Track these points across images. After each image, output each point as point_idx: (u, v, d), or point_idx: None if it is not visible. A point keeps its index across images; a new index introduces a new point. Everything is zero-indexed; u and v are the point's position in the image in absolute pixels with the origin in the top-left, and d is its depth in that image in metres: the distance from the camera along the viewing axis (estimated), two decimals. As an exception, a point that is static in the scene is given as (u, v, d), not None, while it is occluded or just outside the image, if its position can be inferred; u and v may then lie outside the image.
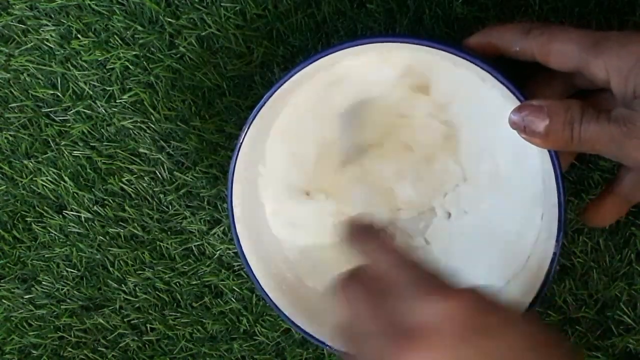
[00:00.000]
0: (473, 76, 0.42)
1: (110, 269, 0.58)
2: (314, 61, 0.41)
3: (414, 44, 0.40)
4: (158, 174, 0.55)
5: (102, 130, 0.55)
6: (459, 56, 0.40)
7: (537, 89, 0.42)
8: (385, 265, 0.36)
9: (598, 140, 0.36)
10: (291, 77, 0.42)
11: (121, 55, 0.53)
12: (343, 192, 0.51)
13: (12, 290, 0.60)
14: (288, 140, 0.49)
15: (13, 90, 0.55)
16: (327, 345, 0.47)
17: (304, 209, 0.51)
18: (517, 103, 0.39)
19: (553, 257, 0.42)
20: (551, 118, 0.37)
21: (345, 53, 0.41)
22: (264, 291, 0.47)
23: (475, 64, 0.39)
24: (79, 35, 0.53)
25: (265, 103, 0.42)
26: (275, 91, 0.42)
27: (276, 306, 0.47)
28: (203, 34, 0.52)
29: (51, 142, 0.56)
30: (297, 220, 0.51)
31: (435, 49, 0.40)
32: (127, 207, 0.56)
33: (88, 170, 0.56)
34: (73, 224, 0.57)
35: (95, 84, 0.54)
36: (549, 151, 0.40)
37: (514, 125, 0.39)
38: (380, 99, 0.48)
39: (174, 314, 0.58)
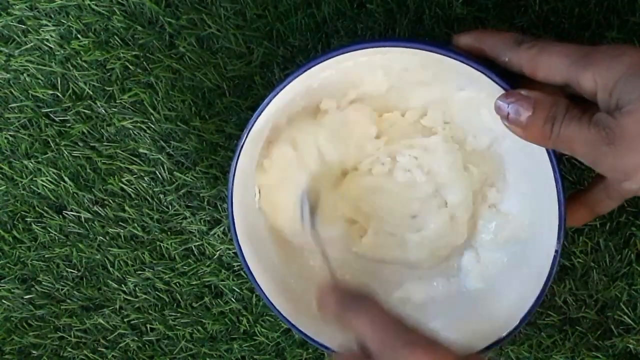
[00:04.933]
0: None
1: (110, 269, 0.58)
2: (318, 63, 0.41)
3: (408, 47, 0.40)
4: (158, 174, 0.55)
5: (102, 130, 0.55)
6: (453, 57, 0.40)
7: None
8: (370, 336, 0.36)
9: (575, 141, 0.36)
10: (294, 78, 0.42)
11: (121, 55, 0.53)
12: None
13: (12, 290, 0.60)
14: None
15: (13, 91, 0.55)
16: (326, 347, 0.47)
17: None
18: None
19: (555, 255, 0.42)
20: (535, 110, 0.37)
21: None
22: (264, 293, 0.47)
23: (470, 65, 0.40)
24: (79, 36, 0.53)
25: (267, 104, 0.42)
26: (278, 92, 0.42)
27: (275, 307, 0.47)
28: (203, 34, 0.52)
29: (51, 143, 0.56)
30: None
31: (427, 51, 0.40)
32: (127, 208, 0.56)
33: (88, 170, 0.56)
34: (73, 224, 0.57)
35: (95, 84, 0.54)
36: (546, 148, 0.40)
37: (498, 110, 0.39)
38: None
39: (174, 314, 0.58)
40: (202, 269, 0.57)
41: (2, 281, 0.60)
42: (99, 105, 0.54)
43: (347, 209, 0.51)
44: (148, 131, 0.54)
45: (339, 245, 0.50)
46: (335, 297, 0.39)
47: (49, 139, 0.56)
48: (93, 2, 0.52)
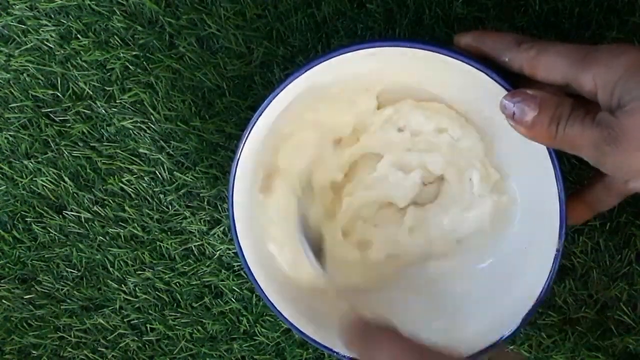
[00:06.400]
0: None
1: (110, 269, 0.58)
2: (318, 63, 0.41)
3: (407, 47, 0.40)
4: (158, 174, 0.55)
5: (102, 130, 0.55)
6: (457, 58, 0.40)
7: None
8: None
9: (579, 141, 0.36)
10: (294, 78, 0.41)
11: (121, 55, 0.53)
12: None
13: (12, 290, 0.60)
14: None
15: (13, 90, 0.55)
16: (326, 347, 0.47)
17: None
18: None
19: (555, 255, 0.42)
20: (541, 110, 0.37)
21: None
22: (264, 292, 0.47)
23: (471, 65, 0.40)
24: (78, 36, 0.53)
25: (268, 104, 0.42)
26: (278, 93, 0.42)
27: (275, 307, 0.47)
28: (203, 34, 0.52)
29: (51, 143, 0.56)
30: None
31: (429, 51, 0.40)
32: (127, 207, 0.56)
33: (88, 170, 0.56)
34: (73, 224, 0.57)
35: (95, 84, 0.54)
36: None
37: (504, 108, 0.39)
38: None
39: (174, 314, 0.58)
40: (202, 269, 0.57)
41: (2, 281, 0.60)
42: (99, 105, 0.54)
43: (353, 232, 0.50)
44: (148, 131, 0.54)
45: (357, 269, 0.49)
46: (357, 335, 0.37)
47: (49, 139, 0.56)
48: (93, 2, 0.52)
